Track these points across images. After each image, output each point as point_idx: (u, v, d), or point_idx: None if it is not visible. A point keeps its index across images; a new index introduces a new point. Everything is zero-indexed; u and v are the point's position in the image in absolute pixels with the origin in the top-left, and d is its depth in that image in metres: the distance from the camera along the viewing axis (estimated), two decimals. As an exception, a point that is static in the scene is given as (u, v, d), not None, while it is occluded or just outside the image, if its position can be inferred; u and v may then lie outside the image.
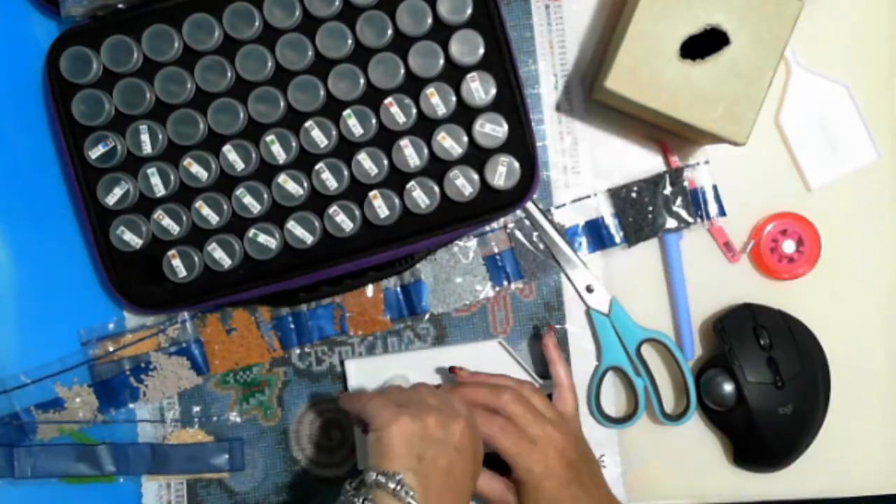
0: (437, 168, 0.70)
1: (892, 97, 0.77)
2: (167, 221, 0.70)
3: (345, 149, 0.70)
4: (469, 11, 0.69)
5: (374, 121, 0.70)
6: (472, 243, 0.75)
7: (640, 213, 0.75)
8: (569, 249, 0.75)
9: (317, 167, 0.70)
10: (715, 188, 0.75)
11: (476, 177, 0.70)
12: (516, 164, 0.70)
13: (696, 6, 0.67)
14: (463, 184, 0.70)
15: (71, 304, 0.75)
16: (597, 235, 0.75)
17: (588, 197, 0.75)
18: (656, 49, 0.67)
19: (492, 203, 0.71)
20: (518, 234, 0.75)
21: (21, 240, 0.75)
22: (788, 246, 0.75)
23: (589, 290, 0.75)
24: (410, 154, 0.70)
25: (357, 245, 0.71)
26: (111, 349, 0.74)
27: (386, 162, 0.70)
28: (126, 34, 0.69)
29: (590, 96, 0.75)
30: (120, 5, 0.69)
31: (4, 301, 0.75)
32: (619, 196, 0.75)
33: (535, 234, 0.75)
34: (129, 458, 0.75)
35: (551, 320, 0.76)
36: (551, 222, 0.75)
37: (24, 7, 0.74)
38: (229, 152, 0.70)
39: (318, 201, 0.70)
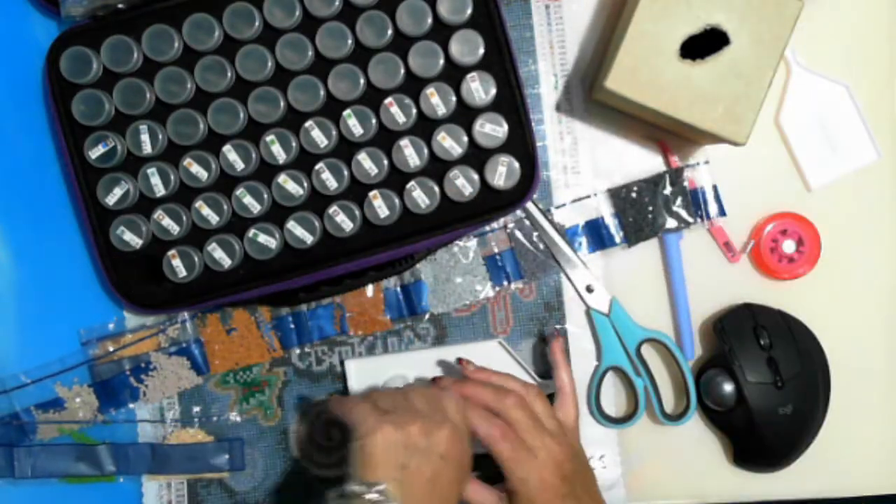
0: (437, 168, 0.70)
1: (892, 97, 0.77)
2: (167, 221, 0.70)
3: (345, 149, 0.70)
4: (469, 11, 0.69)
5: (374, 121, 0.70)
6: (472, 243, 0.75)
7: (640, 213, 0.75)
8: (569, 249, 0.75)
9: (317, 167, 0.70)
10: (715, 188, 0.75)
11: (476, 177, 0.70)
12: (516, 164, 0.70)
13: (696, 6, 0.67)
14: (463, 184, 0.70)
15: (71, 304, 0.75)
16: (597, 235, 0.75)
17: (588, 197, 0.75)
18: (656, 49, 0.67)
19: (492, 203, 0.71)
20: (518, 234, 0.75)
21: (21, 240, 0.75)
22: (788, 246, 0.75)
23: (589, 290, 0.75)
24: (410, 154, 0.70)
25: (357, 245, 0.71)
26: (111, 349, 0.74)
27: (386, 162, 0.70)
28: (126, 34, 0.69)
29: (590, 96, 0.75)
30: (120, 5, 0.69)
31: (4, 301, 0.75)
32: (619, 196, 0.75)
33: (535, 234, 0.75)
34: (129, 458, 0.75)
35: (551, 320, 0.76)
36: (551, 222, 0.75)
37: (24, 7, 0.74)
38: (229, 152, 0.70)
39: (318, 201, 0.70)
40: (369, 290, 0.75)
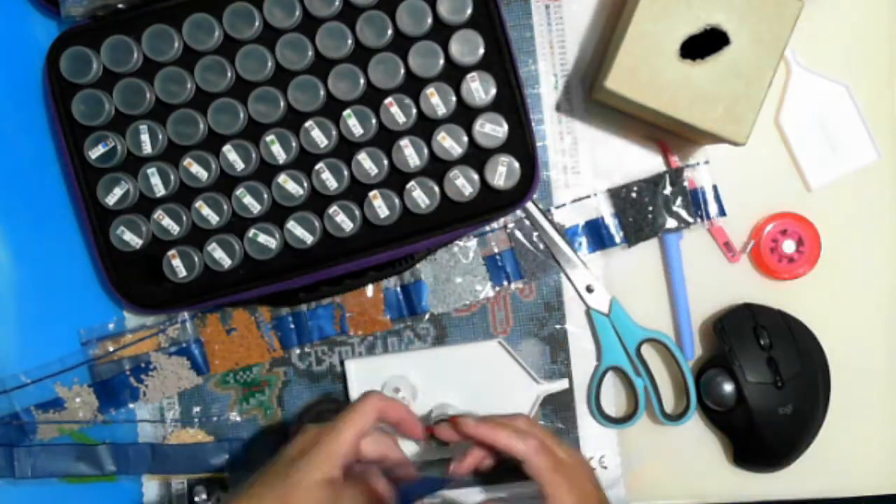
0: (437, 168, 0.70)
1: (892, 97, 0.77)
2: (167, 221, 0.70)
3: (345, 149, 0.70)
4: (469, 11, 0.69)
5: (374, 121, 0.70)
6: (472, 243, 0.75)
7: (640, 213, 0.75)
8: (569, 249, 0.75)
9: (317, 167, 0.70)
10: (715, 188, 0.75)
11: (476, 177, 0.70)
12: (516, 164, 0.70)
13: (696, 6, 0.67)
14: (463, 184, 0.70)
15: (71, 304, 0.75)
16: (597, 235, 0.75)
17: (588, 197, 0.75)
18: (656, 49, 0.67)
19: (492, 203, 0.71)
20: (518, 234, 0.75)
21: (21, 240, 0.75)
22: (788, 246, 0.75)
23: (589, 290, 0.75)
24: (410, 154, 0.70)
25: (357, 245, 0.71)
26: (111, 349, 0.74)
27: (386, 162, 0.70)
28: (126, 34, 0.69)
29: (590, 96, 0.75)
30: (120, 5, 0.69)
31: (4, 301, 0.75)
32: (619, 196, 0.75)
33: (535, 234, 0.75)
34: (129, 458, 0.75)
35: (551, 320, 0.76)
36: (551, 222, 0.75)
37: (24, 7, 0.74)
38: (229, 152, 0.70)
39: (318, 201, 0.70)
40: (369, 290, 0.75)
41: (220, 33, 0.69)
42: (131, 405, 0.75)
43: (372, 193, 0.70)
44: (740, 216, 0.76)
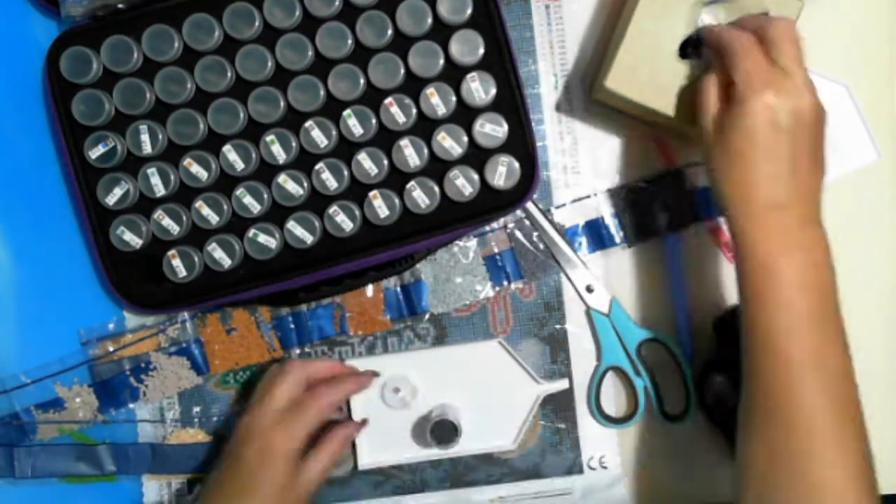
0: (437, 168, 0.70)
1: (892, 97, 0.77)
2: (167, 221, 0.70)
3: (345, 149, 0.70)
4: (469, 11, 0.69)
5: (374, 121, 0.70)
6: (472, 243, 0.75)
7: (639, 213, 0.75)
8: (569, 249, 0.75)
9: (317, 167, 0.70)
10: (715, 188, 0.75)
11: (476, 177, 0.70)
12: (516, 164, 0.70)
13: (695, 5, 0.67)
14: (463, 184, 0.70)
15: (71, 304, 0.75)
16: (597, 235, 0.75)
17: (588, 197, 0.75)
18: (656, 49, 0.67)
19: (492, 203, 0.71)
20: (518, 234, 0.75)
21: (21, 240, 0.75)
22: (788, 246, 0.75)
23: (589, 290, 0.75)
24: (410, 154, 0.70)
25: (357, 245, 0.71)
26: (111, 349, 0.74)
27: (386, 162, 0.70)
28: (126, 34, 0.69)
29: (590, 96, 0.75)
30: (120, 5, 0.69)
31: (4, 301, 0.75)
32: (619, 196, 0.75)
33: (535, 234, 0.75)
34: (130, 457, 0.75)
35: (551, 320, 0.76)
36: (551, 222, 0.75)
37: (24, 7, 0.74)
38: (229, 152, 0.70)
39: (318, 201, 0.70)
40: (369, 290, 0.75)
41: (220, 33, 0.69)
42: (131, 405, 0.75)
43: (372, 193, 0.70)
44: (740, 216, 0.76)
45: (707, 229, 0.76)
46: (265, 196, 0.70)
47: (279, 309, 0.75)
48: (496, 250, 0.75)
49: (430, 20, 0.69)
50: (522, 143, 0.71)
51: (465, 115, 0.70)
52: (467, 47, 0.69)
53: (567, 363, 0.76)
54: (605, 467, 0.75)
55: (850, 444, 0.59)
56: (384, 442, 0.75)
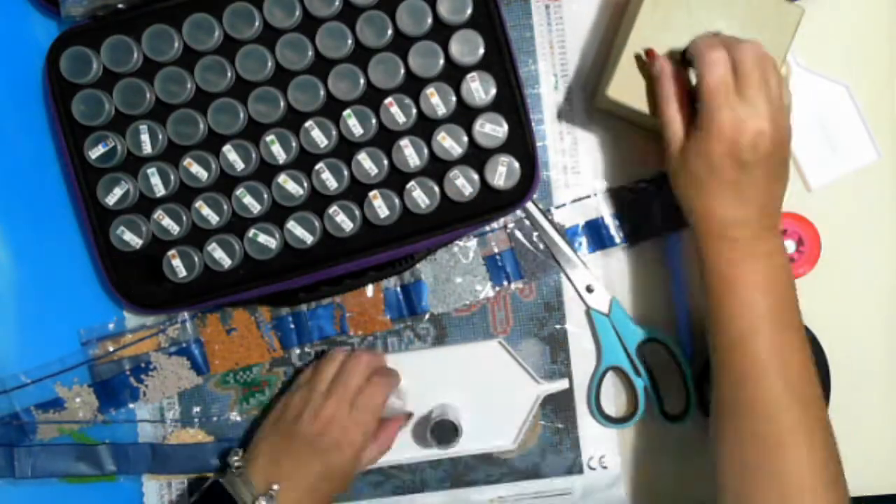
0: (437, 168, 0.70)
1: (892, 97, 0.77)
2: (167, 221, 0.70)
3: (345, 149, 0.70)
4: (469, 11, 0.69)
5: (374, 121, 0.70)
6: (472, 243, 0.75)
7: (640, 213, 0.75)
8: (569, 249, 0.75)
9: (317, 167, 0.70)
10: (715, 188, 0.75)
11: (476, 177, 0.70)
12: (516, 164, 0.70)
13: (697, 13, 0.66)
14: (463, 184, 0.70)
15: (71, 304, 0.75)
16: (597, 235, 0.75)
17: (588, 197, 0.75)
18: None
19: (492, 203, 0.71)
20: (518, 234, 0.75)
21: (21, 240, 0.75)
22: (788, 246, 0.75)
23: (589, 290, 0.75)
24: (410, 154, 0.70)
25: (357, 245, 0.71)
26: (111, 349, 0.74)
27: (386, 162, 0.70)
28: (126, 34, 0.69)
29: (591, 104, 0.75)
30: (120, 5, 0.69)
31: (4, 301, 0.75)
32: (619, 196, 0.75)
33: (535, 234, 0.75)
34: (129, 458, 0.75)
35: (551, 320, 0.76)
36: (551, 222, 0.75)
37: (24, 7, 0.74)
38: (229, 152, 0.70)
39: (318, 201, 0.70)
40: (369, 290, 0.75)
41: (220, 33, 0.69)
42: (131, 405, 0.75)
43: (372, 193, 0.70)
44: (740, 216, 0.76)
45: (707, 229, 0.76)
46: (265, 196, 0.70)
47: (279, 309, 0.75)
48: (496, 250, 0.75)
49: (430, 20, 0.69)
50: (522, 143, 0.71)
51: (465, 115, 0.70)
52: (467, 47, 0.69)
53: (567, 363, 0.76)
54: (605, 467, 0.75)
55: (814, 437, 0.62)
56: (384, 442, 0.75)
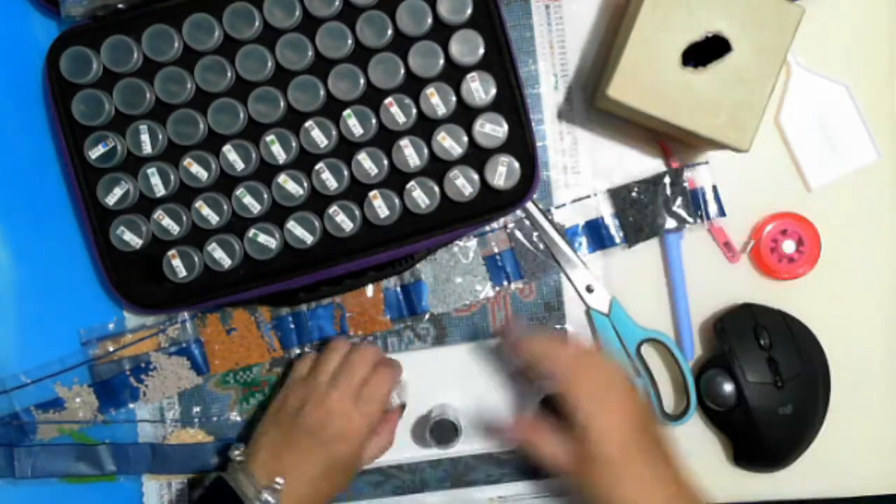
0: (437, 168, 0.70)
1: (892, 97, 0.77)
2: (167, 221, 0.70)
3: (345, 149, 0.70)
4: (469, 11, 0.69)
5: (374, 121, 0.70)
6: (472, 243, 0.75)
7: (640, 213, 0.75)
8: (569, 249, 0.75)
9: (317, 167, 0.70)
10: (715, 188, 0.75)
11: (476, 177, 0.70)
12: (516, 164, 0.70)
13: (697, 14, 0.67)
14: (463, 184, 0.70)
15: (71, 304, 0.75)
16: (597, 235, 0.75)
17: (588, 197, 0.75)
18: (658, 57, 0.67)
19: (492, 203, 0.71)
20: (518, 234, 0.75)
21: (21, 240, 0.75)
22: (788, 246, 0.75)
23: (589, 290, 0.75)
24: (410, 154, 0.70)
25: (357, 245, 0.71)
26: (111, 349, 0.74)
27: (386, 162, 0.70)
28: (126, 34, 0.69)
29: (591, 104, 0.75)
30: (120, 5, 0.69)
31: (4, 301, 0.75)
32: (619, 196, 0.75)
33: (535, 234, 0.75)
34: (129, 457, 0.75)
35: (551, 320, 0.76)
36: (551, 222, 0.75)
37: (24, 7, 0.74)
38: (229, 152, 0.70)
39: (318, 201, 0.70)
40: (369, 290, 0.75)
41: (220, 33, 0.69)
42: (131, 405, 0.75)
43: (372, 193, 0.70)
44: (740, 216, 0.76)
45: (707, 229, 0.76)
46: (265, 196, 0.70)
47: (279, 309, 0.75)
48: (496, 250, 0.75)
49: (430, 20, 0.69)
50: (522, 143, 0.71)
51: (465, 115, 0.70)
52: (467, 47, 0.69)
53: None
54: (605, 467, 0.75)
55: None
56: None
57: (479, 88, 0.69)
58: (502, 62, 0.70)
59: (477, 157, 0.70)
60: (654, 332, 0.75)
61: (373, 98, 0.70)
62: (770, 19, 0.67)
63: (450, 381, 0.75)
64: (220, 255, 0.70)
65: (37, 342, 0.75)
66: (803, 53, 0.76)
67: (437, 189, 0.70)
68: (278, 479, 0.66)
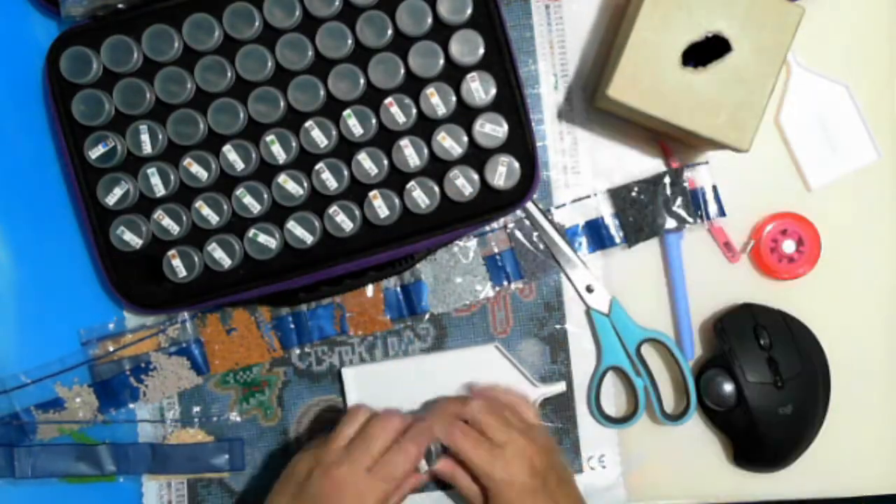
0: (437, 168, 0.70)
1: (892, 97, 0.77)
2: (167, 221, 0.70)
3: (345, 149, 0.70)
4: (469, 11, 0.69)
5: (374, 121, 0.70)
6: (472, 243, 0.75)
7: (640, 213, 0.75)
8: (569, 249, 0.75)
9: (317, 167, 0.70)
10: (715, 188, 0.75)
11: (476, 177, 0.70)
12: (516, 164, 0.70)
13: (697, 14, 0.67)
14: (463, 184, 0.70)
15: (71, 304, 0.75)
16: (597, 235, 0.75)
17: (588, 197, 0.76)
18: (658, 57, 0.67)
19: (492, 203, 0.71)
20: (518, 234, 0.75)
21: (21, 240, 0.75)
22: (788, 246, 0.75)
23: (589, 290, 0.75)
24: (410, 154, 0.70)
25: (357, 245, 0.71)
26: (111, 349, 0.74)
27: (386, 162, 0.70)
28: (126, 34, 0.69)
29: (592, 105, 0.75)
30: (120, 5, 0.69)
31: (4, 301, 0.75)
32: (619, 196, 0.75)
33: (535, 234, 0.75)
34: (129, 458, 0.75)
35: (551, 320, 0.76)
36: (551, 222, 0.75)
37: (24, 7, 0.74)
38: (229, 152, 0.70)
39: (318, 201, 0.70)
40: (369, 290, 0.75)
41: (220, 33, 0.69)
42: (131, 405, 0.75)
43: (372, 193, 0.70)
44: (740, 216, 0.76)
45: (707, 229, 0.76)
46: (265, 196, 0.70)
47: (279, 309, 0.75)
48: (496, 250, 0.75)
49: (430, 20, 0.69)
50: (522, 143, 0.71)
51: (465, 115, 0.70)
52: (467, 47, 0.69)
53: (567, 363, 0.76)
54: (604, 467, 0.75)
55: None
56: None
57: (479, 88, 0.69)
58: (502, 62, 0.70)
59: (477, 157, 0.70)
60: (654, 332, 0.75)
61: (373, 98, 0.70)
62: (770, 19, 0.67)
63: (447, 386, 0.74)
64: (220, 255, 0.70)
65: (37, 342, 0.75)
66: (803, 53, 0.76)
67: (437, 189, 0.70)
68: None
